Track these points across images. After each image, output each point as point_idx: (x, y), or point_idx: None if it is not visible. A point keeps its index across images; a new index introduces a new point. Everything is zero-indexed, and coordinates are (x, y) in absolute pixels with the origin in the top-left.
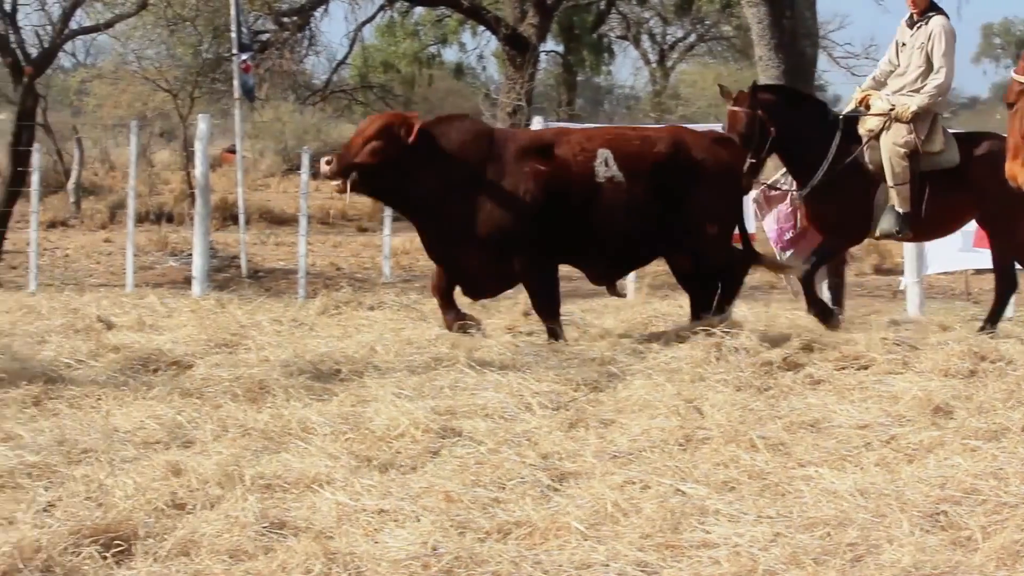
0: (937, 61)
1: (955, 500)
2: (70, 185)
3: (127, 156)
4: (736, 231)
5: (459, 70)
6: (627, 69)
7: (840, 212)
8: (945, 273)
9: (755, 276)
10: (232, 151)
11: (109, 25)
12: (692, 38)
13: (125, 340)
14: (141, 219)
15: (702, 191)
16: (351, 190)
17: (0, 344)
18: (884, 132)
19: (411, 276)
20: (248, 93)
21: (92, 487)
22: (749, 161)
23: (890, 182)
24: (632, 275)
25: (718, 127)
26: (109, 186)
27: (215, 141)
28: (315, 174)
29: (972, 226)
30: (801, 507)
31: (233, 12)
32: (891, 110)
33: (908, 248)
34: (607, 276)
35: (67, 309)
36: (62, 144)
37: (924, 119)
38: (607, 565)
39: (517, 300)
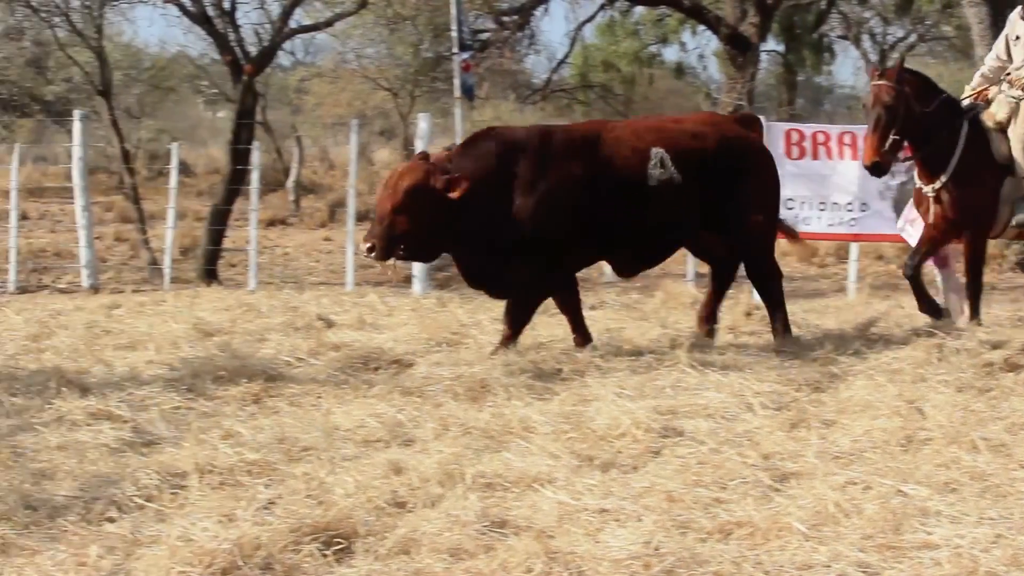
0: None
1: None
2: (289, 183)
3: (346, 154)
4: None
5: (679, 70)
6: (848, 69)
7: (973, 205)
8: None
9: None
10: (451, 150)
11: (329, 23)
12: (912, 38)
13: (345, 338)
14: (361, 217)
15: (745, 178)
16: (405, 260)
17: (220, 342)
18: (1012, 124)
19: None
20: (468, 92)
21: (312, 485)
22: (892, 138)
23: (1020, 173)
24: (853, 275)
25: None
26: (328, 184)
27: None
28: None
29: None
30: (1023, 509)
31: (453, 11)
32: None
33: None
34: (633, 268)
35: (287, 307)
36: (281, 142)
37: None
38: (828, 566)
39: (738, 300)
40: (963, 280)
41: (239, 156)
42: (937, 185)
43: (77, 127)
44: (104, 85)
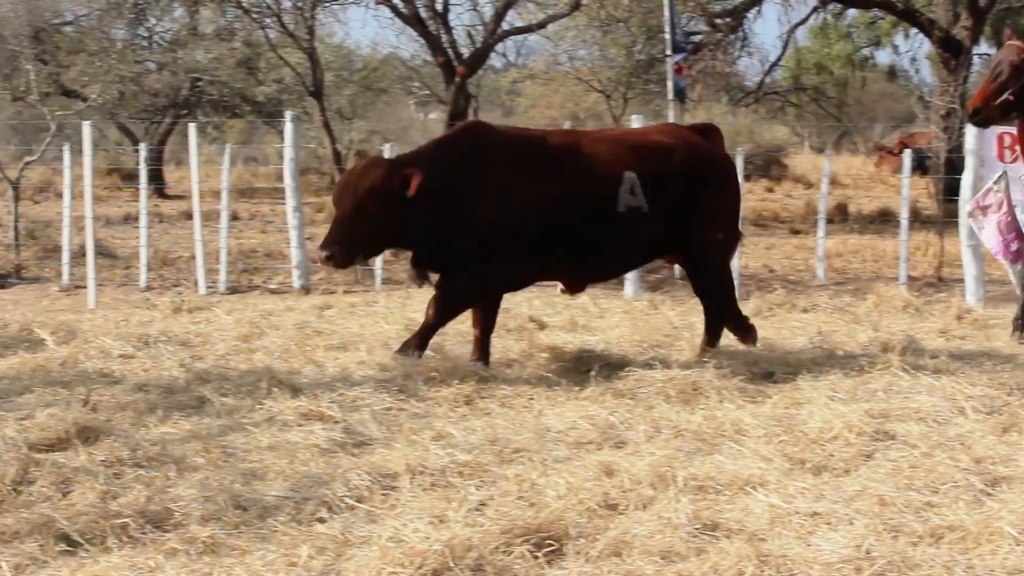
0: None
1: None
2: None
3: None
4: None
5: (892, 73)
6: None
7: None
8: None
9: None
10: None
11: (542, 26)
12: None
13: (557, 340)
14: None
15: (706, 192)
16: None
17: (433, 344)
18: None
19: (844, 279)
20: (681, 94)
21: (524, 486)
22: (1006, 97)
23: None
24: None
25: None
26: None
27: None
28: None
29: None
30: None
31: (667, 13)
32: None
33: None
34: (583, 284)
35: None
36: None
37: None
38: None
39: (950, 304)
40: None
41: None
42: None
43: (289, 128)
44: (316, 86)
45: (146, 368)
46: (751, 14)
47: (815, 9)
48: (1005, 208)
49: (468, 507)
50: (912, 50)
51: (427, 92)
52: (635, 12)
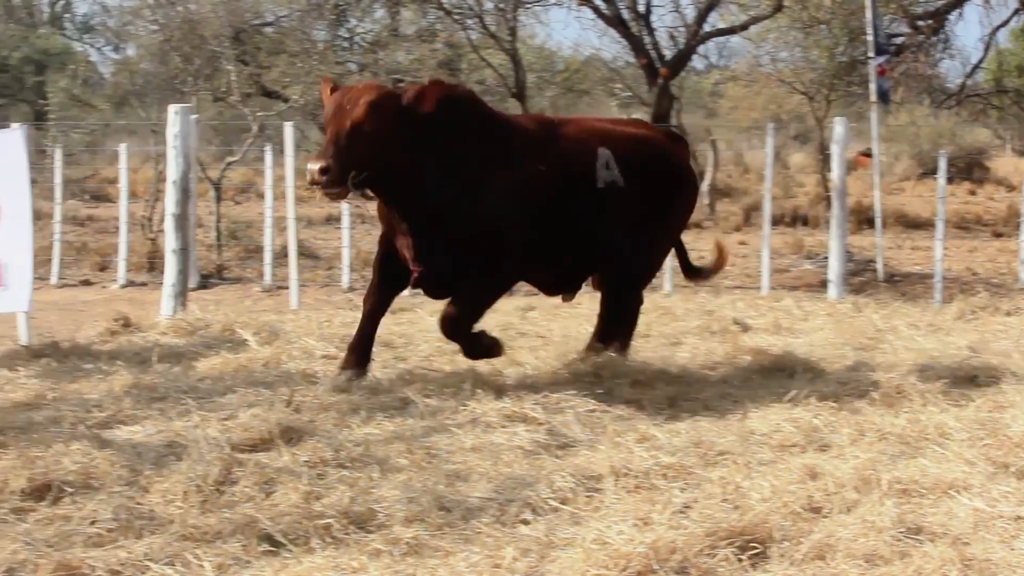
0: None
1: None
2: (704, 187)
3: (761, 158)
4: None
5: None
6: None
7: None
8: None
9: None
10: (867, 154)
11: (744, 27)
12: None
13: (761, 343)
14: (776, 221)
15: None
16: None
17: (637, 346)
18: None
19: None
20: (883, 96)
21: (728, 489)
22: None
23: None
24: None
25: None
26: (743, 188)
27: (850, 144)
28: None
29: None
30: None
31: (869, 15)
32: None
33: None
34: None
35: (703, 311)
36: (696, 146)
37: None
38: None
39: None
40: None
41: None
42: None
43: None
44: (518, 87)
45: None
46: (952, 16)
47: (1016, 11)
48: None
49: (672, 509)
50: None
51: (630, 94)
52: (837, 14)
